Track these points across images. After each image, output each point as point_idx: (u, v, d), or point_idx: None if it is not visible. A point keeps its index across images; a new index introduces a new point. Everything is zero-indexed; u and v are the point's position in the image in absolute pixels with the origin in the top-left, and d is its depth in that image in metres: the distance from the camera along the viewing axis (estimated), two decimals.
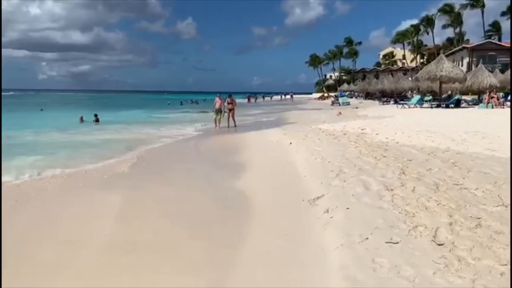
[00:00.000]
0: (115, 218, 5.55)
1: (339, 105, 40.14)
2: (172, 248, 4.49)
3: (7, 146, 12.68)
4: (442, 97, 28.41)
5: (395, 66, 74.35)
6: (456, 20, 57.01)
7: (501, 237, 3.98)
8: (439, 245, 3.88)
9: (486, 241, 3.90)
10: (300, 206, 5.74)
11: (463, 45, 50.20)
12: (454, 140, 10.32)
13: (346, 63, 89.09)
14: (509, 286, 3.12)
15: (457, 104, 26.61)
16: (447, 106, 26.17)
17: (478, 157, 7.96)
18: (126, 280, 3.78)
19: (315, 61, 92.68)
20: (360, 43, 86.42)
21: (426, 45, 66.55)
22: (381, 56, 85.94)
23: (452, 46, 56.28)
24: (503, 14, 53.99)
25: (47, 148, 12.65)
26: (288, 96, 76.32)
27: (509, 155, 7.73)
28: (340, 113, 25.28)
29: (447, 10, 57.42)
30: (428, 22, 61.45)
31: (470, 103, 28.82)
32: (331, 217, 4.99)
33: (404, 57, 70.61)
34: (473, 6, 54.82)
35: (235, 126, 18.97)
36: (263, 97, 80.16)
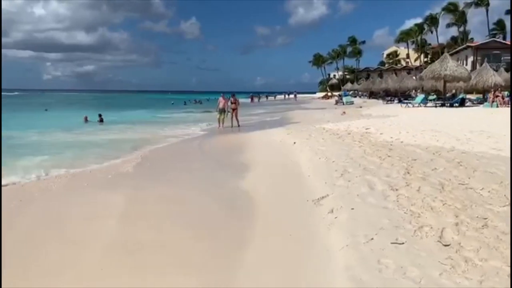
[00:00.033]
0: (119, 218, 5.54)
1: (343, 104, 40.06)
2: (176, 249, 4.48)
3: (12, 146, 12.75)
4: (447, 96, 28.27)
5: (399, 65, 74.18)
6: (461, 18, 56.76)
7: (508, 237, 3.93)
8: (445, 245, 3.84)
9: (493, 241, 3.86)
10: (305, 206, 5.71)
11: (468, 44, 50.01)
12: (459, 140, 10.25)
13: (350, 62, 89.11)
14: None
15: (462, 103, 26.47)
16: (451, 105, 26.05)
17: (483, 157, 7.91)
18: (130, 280, 3.77)
19: (318, 60, 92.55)
20: (364, 42, 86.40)
21: (430, 44, 66.35)
22: (385, 55, 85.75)
23: (457, 45, 56.07)
24: (507, 12, 53.58)
25: (51, 148, 12.69)
26: (291, 96, 76.24)
27: None
28: (344, 112, 25.20)
29: (451, 9, 57.20)
30: (432, 21, 61.24)
31: (474, 102, 28.66)
32: (336, 218, 4.97)
33: (408, 56, 70.35)
34: (477, 4, 54.56)
35: (238, 126, 18.96)
36: (267, 96, 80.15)
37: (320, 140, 11.51)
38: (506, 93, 27.52)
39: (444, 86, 28.30)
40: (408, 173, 6.71)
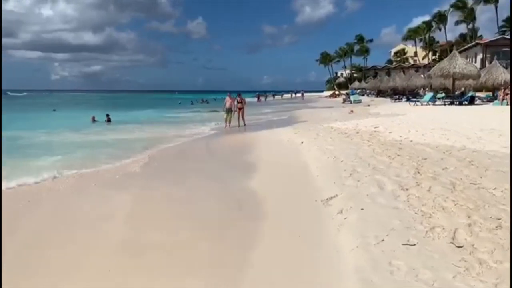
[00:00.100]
0: (126, 218, 5.53)
1: (351, 103, 39.84)
2: (184, 249, 4.44)
3: (20, 146, 12.84)
4: (455, 94, 27.99)
5: (406, 63, 73.60)
6: (469, 16, 56.13)
7: None
8: (458, 247, 3.76)
9: (507, 243, 3.77)
10: (313, 207, 5.65)
11: (477, 41, 49.40)
12: (470, 138, 10.12)
13: (357, 60, 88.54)
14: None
15: (471, 101, 26.18)
16: (460, 103, 25.78)
17: (495, 156, 7.78)
18: (137, 281, 3.74)
19: (325, 59, 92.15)
20: (371, 40, 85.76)
21: (438, 42, 65.70)
22: (392, 53, 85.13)
23: (465, 43, 55.41)
24: None
25: (60, 148, 12.75)
26: (298, 95, 76.00)
27: None
28: (352, 111, 25.03)
29: (460, 6, 56.56)
30: (441, 18, 60.61)
31: (484, 100, 28.33)
32: (345, 218, 4.90)
33: (415, 54, 69.76)
34: (486, 1, 53.82)
35: (244, 125, 18.92)
36: (273, 95, 79.96)
37: (328, 139, 11.42)
38: None
39: (453, 84, 28.01)
40: (418, 172, 6.62)
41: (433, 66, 34.29)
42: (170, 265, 4.04)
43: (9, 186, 7.29)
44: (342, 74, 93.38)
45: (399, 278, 3.31)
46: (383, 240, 4.04)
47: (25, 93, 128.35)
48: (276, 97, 78.22)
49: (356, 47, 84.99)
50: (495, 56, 33.65)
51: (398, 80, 44.71)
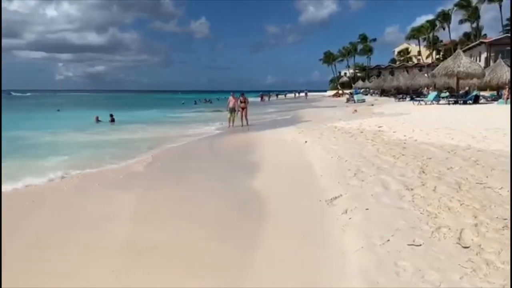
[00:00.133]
0: (130, 218, 5.52)
1: (354, 102, 39.70)
2: (188, 249, 4.43)
3: (25, 146, 12.87)
4: (460, 93, 27.84)
5: (410, 62, 73.38)
6: (473, 14, 55.94)
7: None
8: (465, 247, 3.72)
9: None
10: (317, 207, 5.62)
11: (481, 40, 49.21)
12: (475, 137, 10.04)
13: (361, 60, 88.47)
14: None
15: (476, 100, 26.03)
16: (464, 103, 25.64)
17: (501, 155, 7.71)
18: (140, 281, 3.72)
19: (329, 58, 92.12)
20: (374, 39, 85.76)
21: (441, 41, 65.48)
22: (396, 53, 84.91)
23: (469, 42, 55.23)
24: None
25: (65, 148, 12.79)
26: (302, 94, 75.95)
27: None
28: (355, 110, 24.93)
29: (464, 4, 56.40)
30: (444, 17, 60.49)
31: (488, 99, 28.17)
32: (350, 218, 4.86)
33: (419, 53, 69.62)
34: (490, 0, 53.65)
35: (248, 125, 18.90)
36: (277, 95, 79.94)
37: (332, 138, 11.38)
38: None
39: (457, 83, 27.86)
40: (423, 172, 6.57)
41: (437, 65, 34.13)
42: (173, 265, 4.02)
43: (15, 187, 7.30)
44: (345, 73, 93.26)
45: (405, 279, 3.28)
46: (388, 240, 4.01)
47: (29, 94, 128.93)
48: (280, 96, 78.19)
49: (360, 47, 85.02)
50: (500, 55, 33.51)
51: (402, 79, 44.51)
